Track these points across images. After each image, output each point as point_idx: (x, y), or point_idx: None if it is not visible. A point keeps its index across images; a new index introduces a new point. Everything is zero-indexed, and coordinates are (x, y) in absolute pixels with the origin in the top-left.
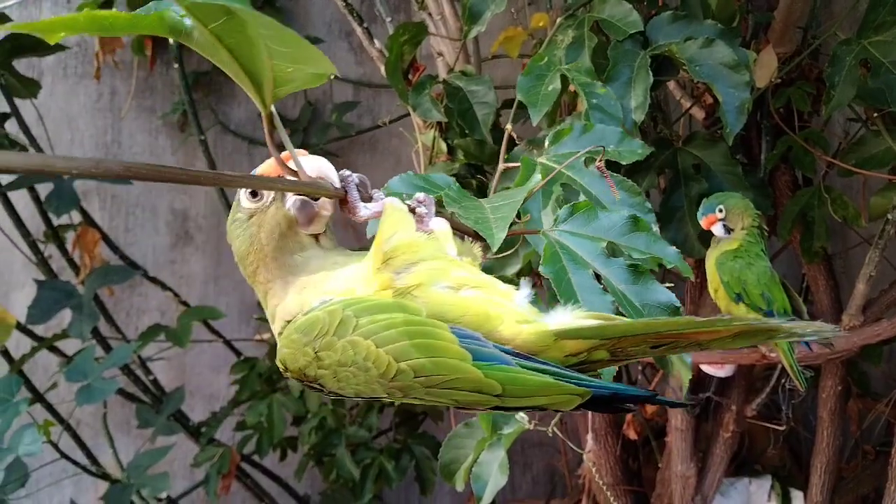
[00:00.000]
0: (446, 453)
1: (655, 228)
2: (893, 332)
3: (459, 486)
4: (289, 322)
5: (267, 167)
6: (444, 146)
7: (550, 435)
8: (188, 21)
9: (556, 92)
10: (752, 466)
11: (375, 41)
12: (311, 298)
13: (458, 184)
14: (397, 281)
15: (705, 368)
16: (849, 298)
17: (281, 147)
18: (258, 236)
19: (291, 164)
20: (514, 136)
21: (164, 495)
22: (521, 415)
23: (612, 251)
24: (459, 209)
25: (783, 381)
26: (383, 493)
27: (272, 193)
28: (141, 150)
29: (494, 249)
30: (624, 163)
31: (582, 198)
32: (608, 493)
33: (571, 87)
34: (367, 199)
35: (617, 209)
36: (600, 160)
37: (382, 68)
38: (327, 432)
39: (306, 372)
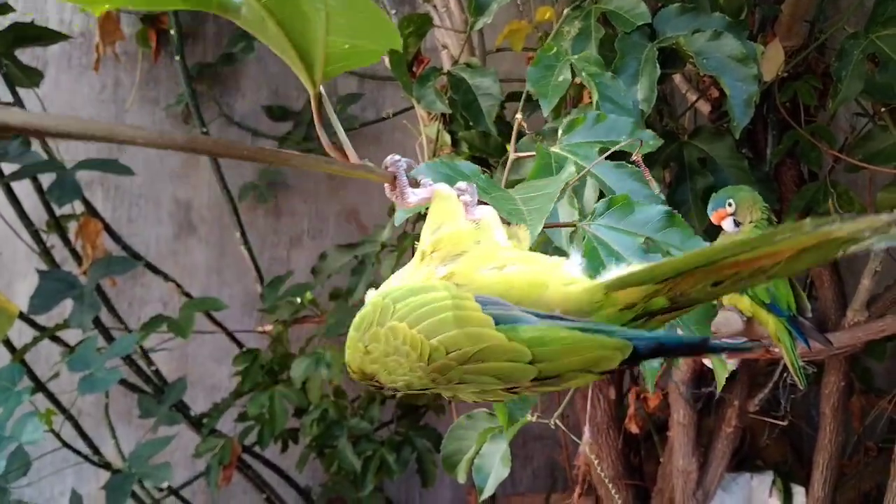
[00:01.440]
0: (448, 445)
1: None
2: None
3: (461, 478)
4: None
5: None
6: (448, 138)
7: (553, 427)
8: None
9: (566, 83)
10: (753, 462)
11: None
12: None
13: (487, 173)
14: (437, 274)
15: (708, 363)
16: (853, 294)
17: (329, 128)
18: None
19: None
20: (524, 127)
21: (165, 485)
22: None
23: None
24: (490, 199)
25: (785, 376)
26: (385, 485)
27: None
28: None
29: (532, 241)
30: (626, 149)
31: (592, 189)
32: (609, 486)
33: (577, 80)
34: (415, 184)
35: (649, 204)
36: (637, 154)
37: (387, 60)
38: (329, 424)
39: (363, 369)
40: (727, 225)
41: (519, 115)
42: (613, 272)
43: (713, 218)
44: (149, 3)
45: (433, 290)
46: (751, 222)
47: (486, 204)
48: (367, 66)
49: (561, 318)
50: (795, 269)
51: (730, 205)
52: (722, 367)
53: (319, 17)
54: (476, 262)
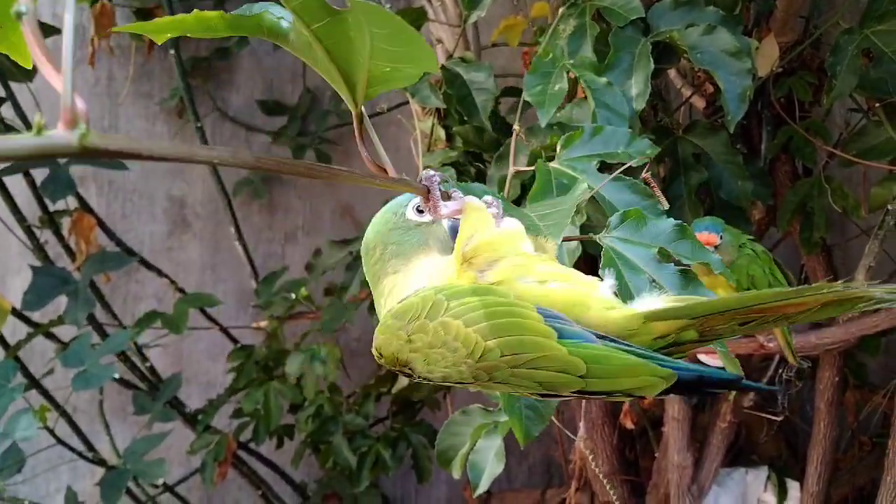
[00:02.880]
0: (443, 440)
1: None
2: (891, 323)
3: (456, 474)
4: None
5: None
6: (442, 133)
7: (548, 422)
8: (285, 23)
9: (562, 92)
10: (748, 457)
11: None
12: (404, 290)
13: (495, 191)
14: (481, 279)
15: (702, 358)
16: None
17: (369, 146)
18: (427, 243)
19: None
20: (522, 137)
21: (160, 482)
22: None
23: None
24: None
25: (780, 371)
26: (380, 480)
27: (429, 216)
28: (138, 136)
29: (555, 250)
30: (634, 164)
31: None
32: (604, 481)
33: (571, 74)
34: (446, 197)
35: (659, 217)
36: (646, 171)
37: None
38: (324, 420)
39: (398, 356)
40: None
41: (517, 127)
42: (648, 301)
43: (700, 237)
44: (209, 30)
45: (494, 293)
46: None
47: (511, 216)
48: None
49: (616, 342)
50: (816, 317)
51: (721, 238)
52: (733, 365)
53: (364, 44)
54: (516, 270)
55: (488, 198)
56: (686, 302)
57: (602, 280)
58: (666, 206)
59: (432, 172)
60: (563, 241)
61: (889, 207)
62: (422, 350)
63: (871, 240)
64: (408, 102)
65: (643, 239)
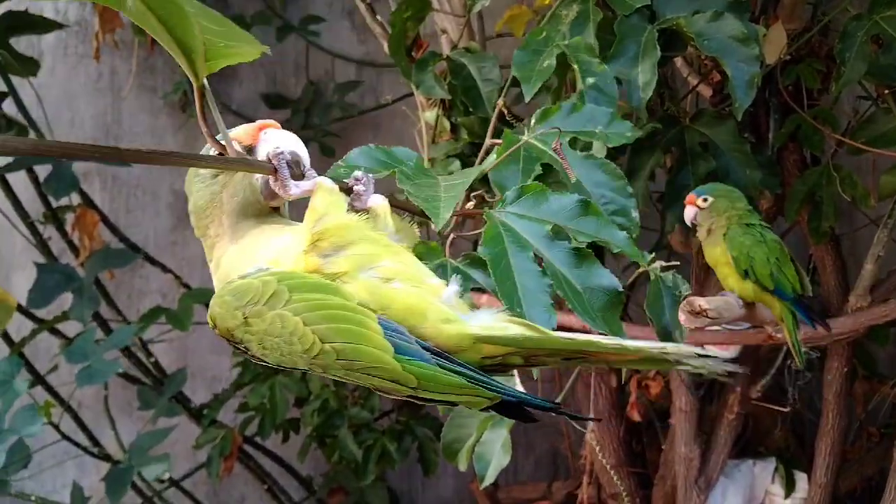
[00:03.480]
0: (449, 433)
1: (635, 214)
2: None
3: (462, 466)
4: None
5: (244, 131)
6: (447, 125)
7: (554, 415)
8: None
9: (550, 68)
10: (756, 448)
11: (378, 17)
12: (245, 263)
13: (420, 159)
14: (325, 266)
15: (710, 349)
16: (856, 279)
17: (211, 123)
18: (220, 195)
19: (264, 134)
20: (506, 112)
21: (165, 476)
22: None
23: (557, 234)
24: (411, 187)
25: (788, 362)
26: (386, 474)
27: None
28: (142, 131)
29: (438, 228)
30: (610, 145)
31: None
32: (612, 474)
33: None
34: (300, 176)
35: (563, 193)
36: (557, 141)
37: (385, 45)
38: (329, 414)
39: (234, 333)
40: (687, 212)
41: (500, 101)
42: (485, 319)
43: (686, 199)
44: None
45: (339, 294)
46: (709, 230)
47: (380, 195)
48: (363, 53)
49: (449, 359)
50: (638, 367)
51: (704, 200)
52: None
53: (195, 20)
54: (361, 261)
55: (358, 173)
56: (516, 332)
57: (447, 284)
58: (574, 179)
59: (281, 150)
60: (456, 214)
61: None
62: (258, 335)
63: (881, 229)
64: (412, 94)
65: (541, 215)
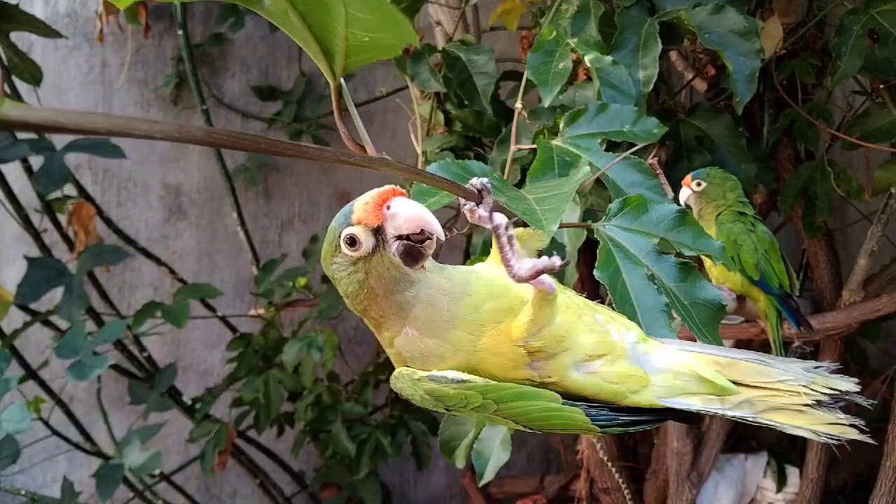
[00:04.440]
0: (446, 430)
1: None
2: (893, 308)
3: (460, 463)
4: (407, 365)
5: (375, 197)
6: (441, 118)
7: None
8: None
9: (567, 70)
10: (748, 443)
11: None
12: (428, 355)
13: (492, 171)
14: (532, 372)
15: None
16: (849, 274)
17: (349, 124)
18: (367, 282)
19: (387, 210)
20: (524, 115)
21: (157, 471)
22: None
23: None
24: (504, 199)
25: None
26: (379, 468)
27: (372, 242)
28: None
29: (547, 241)
30: (640, 143)
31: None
32: (611, 467)
33: (574, 56)
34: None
35: (661, 203)
36: (653, 156)
37: None
38: (323, 408)
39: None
40: (682, 193)
41: (519, 105)
42: (665, 376)
43: (683, 179)
44: None
45: (540, 398)
46: (700, 215)
47: (513, 198)
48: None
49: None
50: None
51: (699, 184)
52: None
53: (340, 10)
54: (569, 360)
55: (475, 181)
56: (696, 388)
57: (626, 332)
58: (671, 194)
59: (499, 221)
60: (560, 227)
61: (892, 191)
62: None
63: (875, 223)
64: (407, 87)
65: (643, 227)
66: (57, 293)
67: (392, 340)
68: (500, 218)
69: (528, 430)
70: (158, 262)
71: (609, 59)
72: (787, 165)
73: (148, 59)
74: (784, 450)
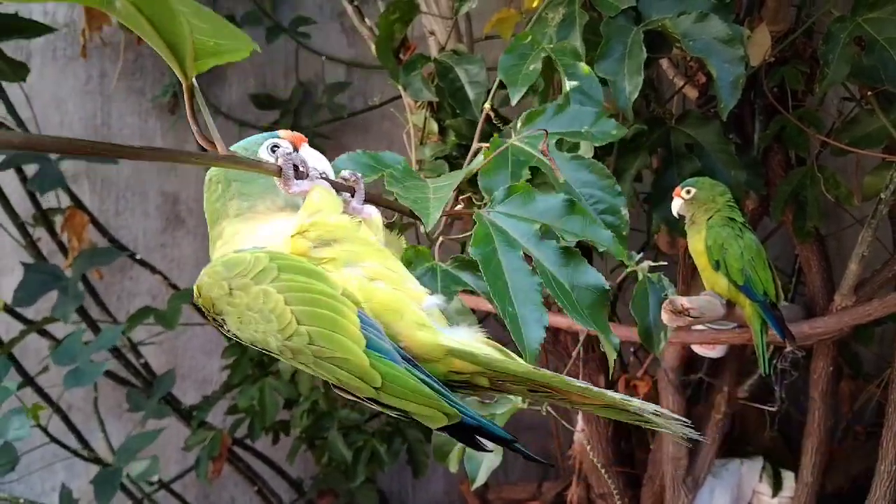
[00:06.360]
0: (439, 435)
1: (625, 211)
2: (885, 312)
3: (453, 468)
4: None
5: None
6: (435, 127)
7: (544, 414)
8: None
9: (536, 72)
10: (743, 448)
11: (367, 20)
12: (243, 242)
13: (406, 163)
14: (313, 252)
15: (697, 349)
16: (841, 279)
17: (202, 123)
18: (275, 190)
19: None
20: (492, 116)
21: (155, 478)
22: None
23: (545, 233)
24: (401, 189)
25: (774, 362)
26: (376, 475)
27: (290, 149)
28: (131, 133)
29: (428, 229)
30: (597, 144)
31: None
32: (603, 472)
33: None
34: (304, 177)
35: (549, 193)
36: (544, 142)
37: (373, 48)
38: (319, 415)
39: (215, 304)
40: (674, 203)
41: (487, 105)
42: (461, 334)
43: (674, 192)
44: None
45: (325, 282)
46: (693, 222)
47: (373, 203)
48: (353, 55)
49: (419, 368)
50: (599, 412)
51: (688, 192)
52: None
53: (183, 18)
54: (348, 255)
55: (346, 173)
56: (489, 352)
57: (430, 294)
58: (562, 179)
59: (290, 152)
60: (442, 215)
61: (882, 196)
62: (238, 307)
63: (865, 228)
64: (401, 96)
65: (529, 214)
66: (54, 301)
67: (223, 232)
68: (371, 209)
69: (310, 369)
70: (153, 270)
71: (582, 66)
72: (777, 171)
73: (146, 68)
74: (780, 454)
